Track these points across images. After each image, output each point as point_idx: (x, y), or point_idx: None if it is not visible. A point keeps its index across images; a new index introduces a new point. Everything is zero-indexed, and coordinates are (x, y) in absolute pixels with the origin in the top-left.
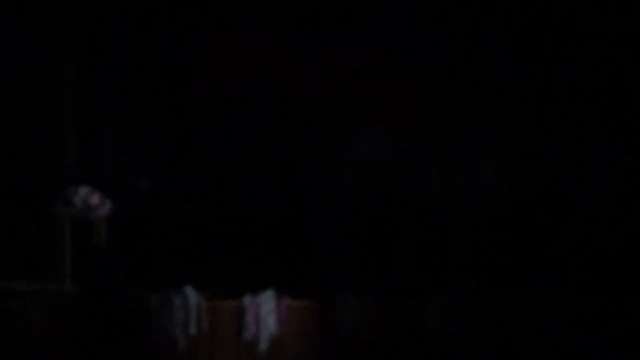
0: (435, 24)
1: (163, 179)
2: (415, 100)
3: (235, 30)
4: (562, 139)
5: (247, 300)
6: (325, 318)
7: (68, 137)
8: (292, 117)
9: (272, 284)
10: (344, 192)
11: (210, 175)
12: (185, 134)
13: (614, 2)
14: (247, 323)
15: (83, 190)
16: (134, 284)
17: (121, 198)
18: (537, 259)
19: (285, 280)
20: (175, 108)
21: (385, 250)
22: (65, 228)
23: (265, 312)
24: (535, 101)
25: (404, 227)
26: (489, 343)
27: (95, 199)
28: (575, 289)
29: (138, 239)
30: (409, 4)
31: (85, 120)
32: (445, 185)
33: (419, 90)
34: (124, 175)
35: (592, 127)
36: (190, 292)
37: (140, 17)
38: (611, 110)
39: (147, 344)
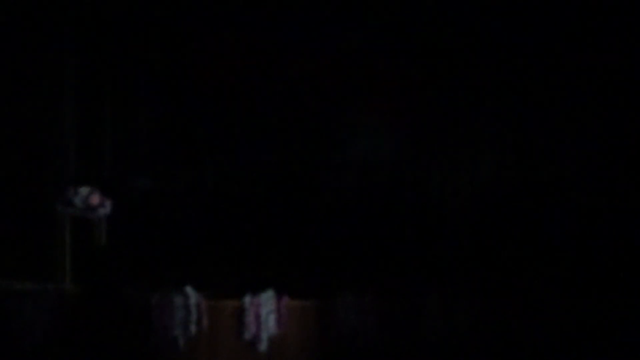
0: (435, 23)
1: (163, 179)
2: (415, 100)
3: (235, 30)
4: (562, 138)
5: (247, 300)
6: (325, 318)
7: (68, 137)
8: (292, 116)
9: (272, 284)
10: (344, 192)
11: (210, 175)
12: (186, 134)
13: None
14: (247, 323)
15: (83, 190)
16: (134, 284)
17: (121, 198)
18: (538, 259)
19: (285, 280)
20: (175, 108)
21: (385, 250)
22: (65, 228)
23: (265, 312)
24: (535, 99)
25: (404, 227)
26: (489, 343)
27: (95, 199)
28: (576, 289)
29: (138, 239)
30: (408, 2)
31: (85, 120)
32: (445, 185)
33: (419, 89)
34: (124, 175)
35: (593, 126)
36: (190, 292)
37: (140, 17)
38: (611, 108)
39: (147, 344)
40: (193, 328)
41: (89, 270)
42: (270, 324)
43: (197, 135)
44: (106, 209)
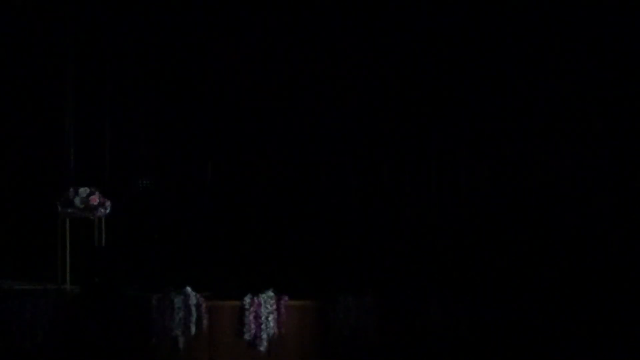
0: (432, 31)
1: (162, 179)
2: (417, 103)
3: (235, 30)
4: (561, 141)
5: (247, 300)
6: (325, 318)
7: (68, 137)
8: (292, 117)
9: (272, 284)
10: (344, 193)
11: (210, 176)
12: (185, 134)
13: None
14: (247, 323)
15: (83, 191)
16: (134, 284)
17: (121, 198)
18: (537, 259)
19: (285, 280)
20: (174, 108)
21: (385, 250)
22: (65, 228)
23: (265, 312)
24: (534, 104)
25: (403, 227)
26: (489, 342)
27: (95, 199)
28: (574, 289)
29: (138, 239)
30: (408, 9)
31: (85, 120)
32: (445, 185)
33: (419, 91)
34: (124, 175)
35: (590, 130)
36: (190, 292)
37: (139, 18)
38: (608, 113)
39: (147, 344)
40: (193, 328)
41: (89, 270)
42: (270, 324)
43: (197, 136)
44: (106, 209)
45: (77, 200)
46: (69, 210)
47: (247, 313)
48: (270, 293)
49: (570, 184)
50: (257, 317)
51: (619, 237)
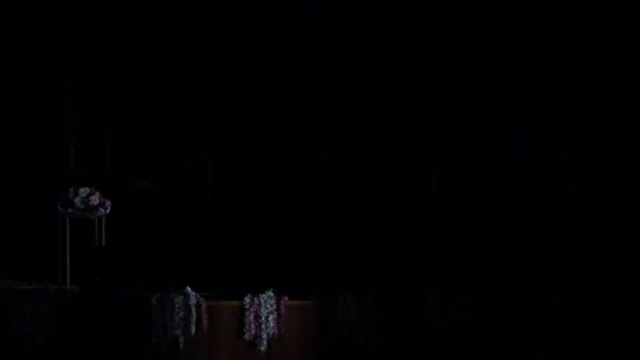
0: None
1: (162, 179)
2: (415, 101)
3: (235, 30)
4: (560, 141)
5: (247, 300)
6: (325, 318)
7: (68, 137)
8: (292, 116)
9: (272, 284)
10: (343, 193)
11: (210, 176)
12: (185, 134)
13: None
14: (247, 323)
15: (83, 191)
16: (134, 284)
17: (121, 198)
18: (536, 259)
19: (285, 280)
20: (174, 108)
21: (385, 250)
22: (65, 228)
23: (265, 312)
24: (532, 101)
25: (403, 227)
26: (489, 342)
27: (95, 199)
28: (574, 289)
29: (138, 239)
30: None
31: (85, 121)
32: (444, 185)
33: (418, 89)
34: (124, 175)
35: (590, 125)
36: (190, 292)
37: (139, 18)
38: (608, 110)
39: (147, 344)
40: (193, 328)
41: (89, 270)
42: (270, 324)
43: (197, 136)
44: (106, 209)
45: (77, 200)
46: (69, 210)
47: (247, 313)
48: (270, 293)
49: (569, 182)
50: (257, 317)
51: (617, 235)
